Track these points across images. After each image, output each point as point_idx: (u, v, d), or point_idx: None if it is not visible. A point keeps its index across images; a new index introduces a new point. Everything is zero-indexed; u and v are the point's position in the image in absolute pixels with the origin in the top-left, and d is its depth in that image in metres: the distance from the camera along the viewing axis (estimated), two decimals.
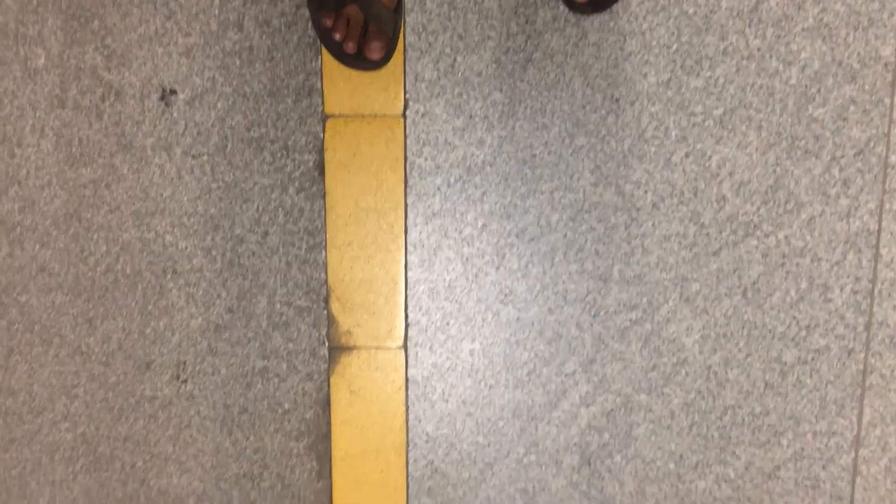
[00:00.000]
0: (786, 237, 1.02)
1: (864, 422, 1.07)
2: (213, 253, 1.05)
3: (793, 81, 0.99)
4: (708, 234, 1.03)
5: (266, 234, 1.05)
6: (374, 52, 0.91)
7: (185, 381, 1.08)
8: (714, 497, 1.09)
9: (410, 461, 1.10)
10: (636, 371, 1.07)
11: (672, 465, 1.09)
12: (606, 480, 1.10)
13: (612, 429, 1.09)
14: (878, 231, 1.01)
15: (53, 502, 1.10)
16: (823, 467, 1.08)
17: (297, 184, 1.03)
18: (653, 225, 1.03)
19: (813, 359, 1.05)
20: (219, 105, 1.01)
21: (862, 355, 1.05)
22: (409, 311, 1.07)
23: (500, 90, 1.02)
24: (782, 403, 1.07)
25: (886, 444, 1.07)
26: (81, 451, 1.09)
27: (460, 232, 1.05)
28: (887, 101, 0.99)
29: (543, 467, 1.10)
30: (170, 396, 1.08)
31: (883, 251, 1.02)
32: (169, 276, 1.05)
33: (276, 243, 1.05)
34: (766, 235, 1.02)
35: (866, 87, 0.99)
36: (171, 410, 1.09)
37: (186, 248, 1.04)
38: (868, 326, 1.04)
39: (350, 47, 0.90)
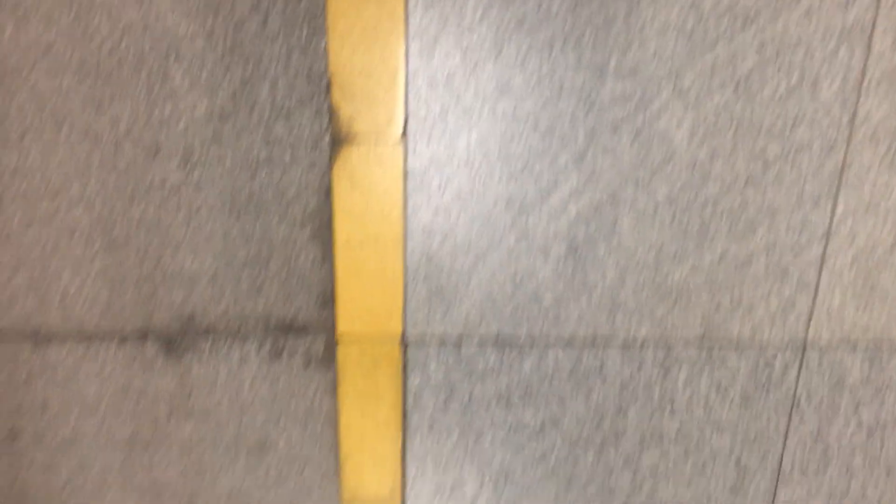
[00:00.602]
0: (783, 28, 1.03)
1: (837, 215, 1.13)
2: (215, 37, 1.06)
3: None
4: (706, 24, 1.04)
5: (266, 18, 1.05)
6: None
7: (193, 167, 1.12)
8: (688, 285, 1.18)
9: (408, 250, 1.17)
10: (625, 165, 1.12)
11: (652, 256, 1.16)
12: (590, 269, 1.17)
13: (598, 221, 1.15)
14: (874, 23, 1.03)
15: (74, 281, 1.18)
16: (794, 258, 1.16)
17: None
18: (652, 14, 1.04)
19: (795, 152, 1.10)
20: None
21: (842, 150, 1.09)
22: (408, 102, 1.09)
23: None
24: (761, 197, 1.12)
25: (855, 236, 1.14)
26: (98, 233, 1.15)
27: (460, 20, 1.05)
28: None
29: (532, 257, 1.17)
30: (179, 182, 1.13)
31: (875, 45, 1.04)
32: (172, 60, 1.06)
33: (277, 28, 1.05)
34: (764, 27, 1.03)
35: None
36: (181, 196, 1.14)
37: (188, 30, 1.05)
38: (852, 121, 1.08)
39: None
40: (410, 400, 1.23)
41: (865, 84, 1.06)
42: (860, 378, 1.21)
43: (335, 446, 1.25)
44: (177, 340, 1.20)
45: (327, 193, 1.14)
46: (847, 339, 1.19)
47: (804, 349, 1.20)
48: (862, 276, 1.16)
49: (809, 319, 1.18)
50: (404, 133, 1.11)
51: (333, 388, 1.22)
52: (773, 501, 1.26)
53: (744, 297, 1.18)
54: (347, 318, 1.20)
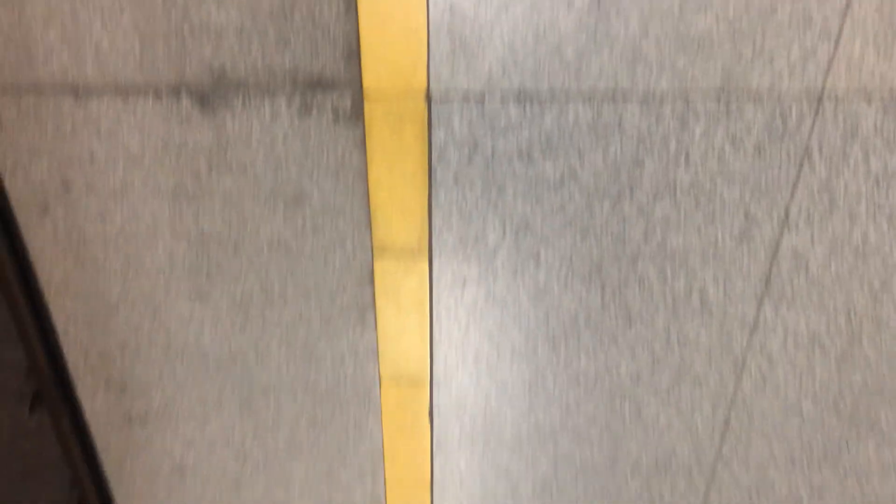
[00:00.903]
0: None
1: None
2: None
3: None
4: None
5: None
6: None
7: None
8: (711, 35, 1.18)
9: (430, 1, 1.17)
10: None
11: (676, 3, 1.16)
12: (613, 19, 1.17)
13: None
14: None
15: (105, 34, 1.20)
16: (818, 4, 1.14)
17: None
18: None
19: None
20: None
21: None
22: None
23: None
24: None
25: None
26: None
27: None
28: None
29: (555, 6, 1.17)
30: None
31: None
32: None
33: None
34: None
35: None
36: None
37: None
38: None
39: None
40: (435, 155, 1.29)
41: None
42: (873, 128, 1.24)
43: (366, 199, 1.33)
44: (210, 96, 1.25)
45: None
46: (864, 90, 1.21)
47: (820, 99, 1.22)
48: (885, 24, 1.15)
49: (828, 69, 1.20)
50: None
51: (362, 144, 1.28)
52: (776, 248, 1.35)
53: (765, 46, 1.18)
54: (373, 74, 1.23)
